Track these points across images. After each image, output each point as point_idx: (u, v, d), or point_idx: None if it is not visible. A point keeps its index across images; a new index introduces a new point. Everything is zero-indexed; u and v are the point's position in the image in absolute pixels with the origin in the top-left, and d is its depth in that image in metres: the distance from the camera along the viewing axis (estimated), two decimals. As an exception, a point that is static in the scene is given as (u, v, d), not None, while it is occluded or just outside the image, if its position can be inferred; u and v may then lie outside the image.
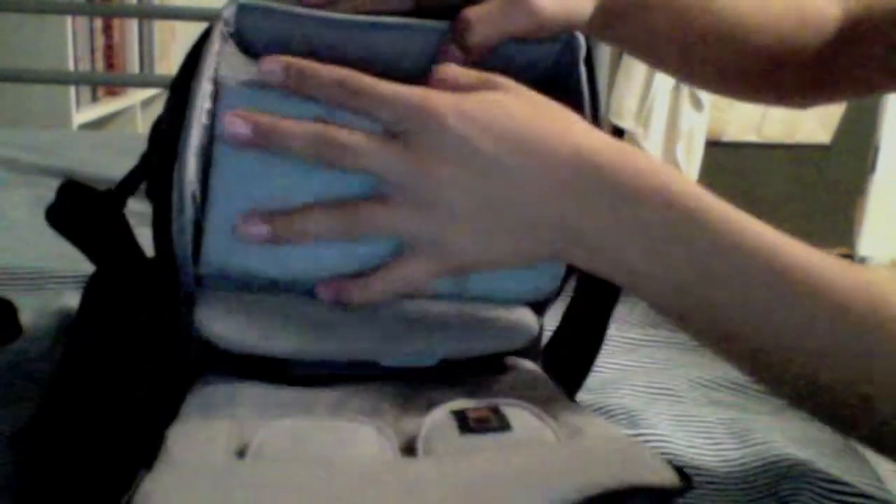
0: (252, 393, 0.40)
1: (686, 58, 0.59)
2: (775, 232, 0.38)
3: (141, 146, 0.45)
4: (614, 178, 0.38)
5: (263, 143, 0.39)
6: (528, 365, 0.47)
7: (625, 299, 0.74)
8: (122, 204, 0.44)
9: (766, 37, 0.60)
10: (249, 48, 0.45)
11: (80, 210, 0.44)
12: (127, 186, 0.44)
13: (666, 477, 0.34)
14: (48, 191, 0.46)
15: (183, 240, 0.40)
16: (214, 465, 0.34)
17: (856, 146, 2.86)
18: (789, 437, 0.53)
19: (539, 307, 0.48)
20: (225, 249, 0.41)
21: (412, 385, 0.43)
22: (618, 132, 2.70)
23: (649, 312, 0.72)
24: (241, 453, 0.35)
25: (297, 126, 0.39)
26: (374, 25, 0.45)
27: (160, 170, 0.41)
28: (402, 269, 0.40)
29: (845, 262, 0.38)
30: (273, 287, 0.42)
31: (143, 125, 2.44)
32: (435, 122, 0.38)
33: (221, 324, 0.41)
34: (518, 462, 0.35)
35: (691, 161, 2.73)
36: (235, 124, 0.39)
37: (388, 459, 0.36)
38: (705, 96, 2.69)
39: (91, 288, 0.49)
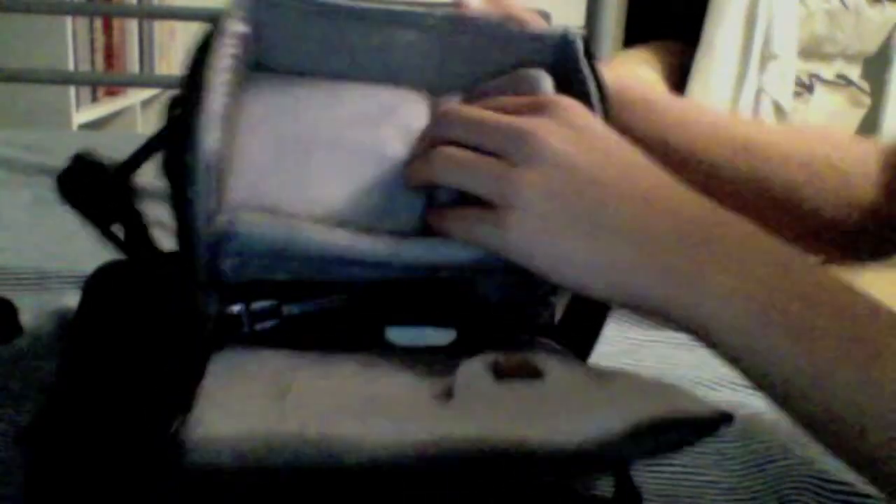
0: (276, 354, 0.40)
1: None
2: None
3: (141, 146, 0.44)
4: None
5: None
6: (544, 340, 0.47)
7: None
8: (132, 174, 0.44)
9: (813, 203, 0.58)
10: (260, 38, 0.47)
11: (89, 176, 0.44)
12: (138, 157, 0.44)
13: (706, 409, 0.33)
14: (48, 191, 0.46)
15: (201, 189, 0.40)
16: (260, 399, 0.34)
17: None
18: (790, 436, 0.53)
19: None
20: (252, 183, 0.42)
21: (435, 357, 0.42)
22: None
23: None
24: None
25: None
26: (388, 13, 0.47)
27: (178, 135, 0.41)
28: (478, 222, 0.41)
29: None
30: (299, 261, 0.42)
31: (143, 125, 2.43)
32: (538, 143, 0.40)
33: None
34: (559, 398, 0.35)
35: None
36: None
37: (426, 398, 0.36)
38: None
39: (93, 282, 0.49)
